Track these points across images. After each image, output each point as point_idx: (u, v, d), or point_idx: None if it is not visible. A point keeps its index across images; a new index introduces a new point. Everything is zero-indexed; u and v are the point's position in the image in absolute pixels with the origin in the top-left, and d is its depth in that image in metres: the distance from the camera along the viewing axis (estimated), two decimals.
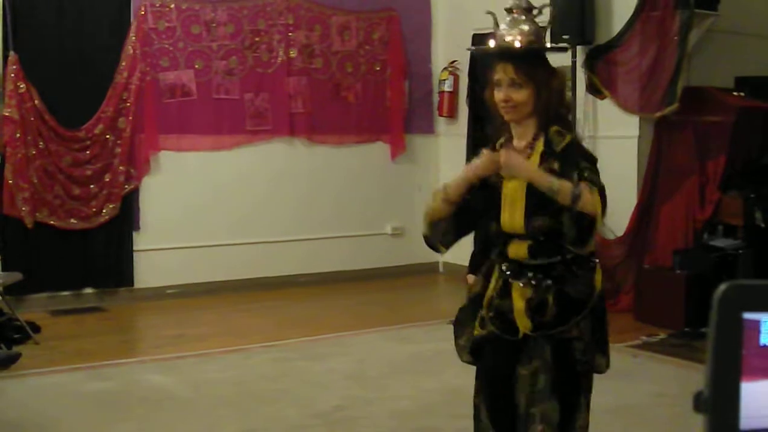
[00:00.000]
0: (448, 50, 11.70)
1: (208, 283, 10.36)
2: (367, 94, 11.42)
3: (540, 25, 4.02)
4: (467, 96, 11.44)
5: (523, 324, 3.97)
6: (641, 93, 9.33)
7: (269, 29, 10.71)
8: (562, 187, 3.73)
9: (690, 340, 8.07)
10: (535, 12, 4.01)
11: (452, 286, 10.35)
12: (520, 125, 4.02)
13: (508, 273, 4.03)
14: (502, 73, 3.95)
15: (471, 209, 4.09)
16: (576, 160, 3.88)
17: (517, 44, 3.97)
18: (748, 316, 1.39)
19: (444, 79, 11.65)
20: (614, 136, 9.57)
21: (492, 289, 4.12)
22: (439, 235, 4.15)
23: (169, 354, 7.88)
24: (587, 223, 3.75)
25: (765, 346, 1.40)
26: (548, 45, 4.29)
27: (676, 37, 9.13)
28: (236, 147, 10.63)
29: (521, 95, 3.92)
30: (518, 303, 3.98)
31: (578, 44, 9.64)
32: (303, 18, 10.90)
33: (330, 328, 8.72)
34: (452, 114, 11.64)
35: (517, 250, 3.99)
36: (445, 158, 11.82)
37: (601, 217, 3.79)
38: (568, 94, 4.14)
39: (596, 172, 3.88)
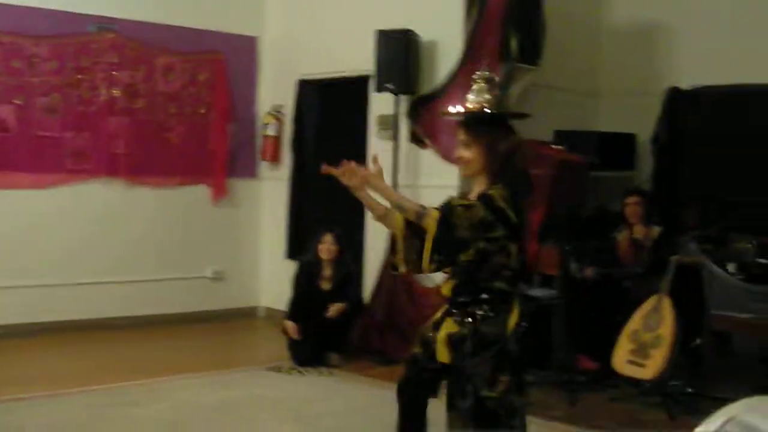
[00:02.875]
0: (273, 94, 11.71)
1: (24, 324, 10.05)
2: (191, 136, 11.32)
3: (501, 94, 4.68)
4: (291, 141, 11.45)
5: (441, 354, 4.51)
6: None
7: (93, 67, 10.53)
8: (406, 204, 4.48)
9: None
10: (496, 81, 4.66)
11: (271, 331, 10.31)
12: (475, 181, 4.58)
13: (446, 309, 4.59)
14: (458, 135, 4.59)
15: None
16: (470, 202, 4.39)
17: (461, 110, 4.63)
18: None
19: (268, 123, 11.63)
20: (434, 186, 9.66)
21: (432, 320, 4.69)
22: (399, 255, 4.68)
23: None
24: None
25: None
26: (506, 112, 4.82)
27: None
28: (55, 186, 10.38)
29: (468, 154, 4.52)
30: (441, 333, 4.53)
31: (402, 93, 9.76)
32: (127, 57, 10.75)
33: (146, 373, 8.53)
34: (275, 158, 11.63)
35: (446, 287, 4.59)
36: (268, 202, 11.81)
37: (432, 236, 4.35)
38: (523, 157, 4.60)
39: (473, 215, 4.32)
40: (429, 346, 4.60)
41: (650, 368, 7.39)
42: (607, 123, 10.75)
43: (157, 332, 10.54)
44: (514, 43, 9.15)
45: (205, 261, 11.53)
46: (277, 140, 11.62)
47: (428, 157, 9.79)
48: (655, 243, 8.59)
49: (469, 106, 4.61)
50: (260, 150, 11.79)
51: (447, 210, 4.38)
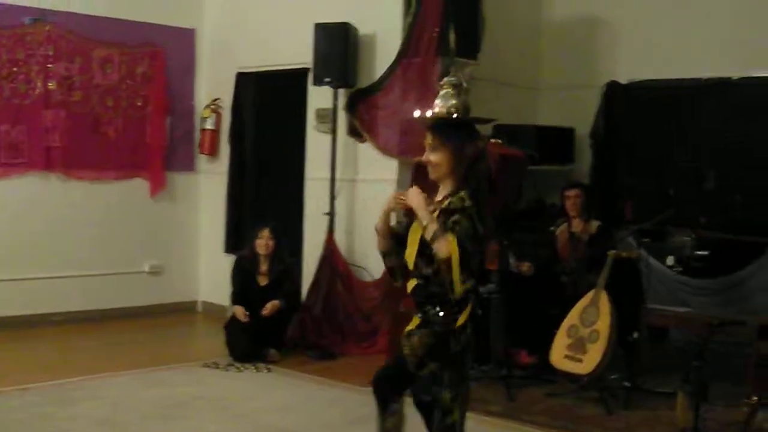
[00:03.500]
0: (212, 88, 11.63)
1: None
2: (128, 130, 11.19)
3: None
4: (229, 134, 11.37)
5: (401, 347, 4.74)
6: (401, 137, 9.45)
7: (28, 59, 10.38)
8: (430, 225, 4.41)
9: None
10: (464, 86, 4.70)
11: (210, 325, 10.25)
12: (442, 184, 4.67)
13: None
14: (426, 138, 4.67)
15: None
16: (454, 214, 4.46)
17: (429, 114, 4.72)
18: None
19: (206, 117, 11.54)
20: (373, 179, 9.68)
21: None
22: (392, 267, 4.86)
23: None
24: (443, 265, 4.40)
25: None
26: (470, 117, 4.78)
27: (436, 84, 9.28)
28: None
29: (436, 157, 4.61)
30: (405, 329, 4.73)
31: (340, 87, 9.73)
32: (63, 49, 10.60)
33: (81, 370, 8.41)
34: (213, 152, 11.54)
35: (410, 285, 4.72)
36: (206, 196, 11.73)
37: (457, 263, 4.38)
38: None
39: (469, 228, 4.42)
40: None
41: (587, 363, 7.39)
42: (546, 117, 10.79)
43: (94, 328, 10.42)
44: (452, 37, 9.15)
45: (142, 255, 11.42)
46: (215, 134, 11.53)
47: (366, 150, 9.77)
48: (593, 237, 8.60)
49: (437, 110, 4.69)
50: (198, 143, 11.69)
51: (463, 237, 4.44)
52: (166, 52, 11.49)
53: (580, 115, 10.48)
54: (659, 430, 7.07)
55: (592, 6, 10.82)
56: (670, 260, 10.07)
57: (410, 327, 4.71)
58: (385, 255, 4.86)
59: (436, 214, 4.54)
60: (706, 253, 10.13)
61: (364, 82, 9.81)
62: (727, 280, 9.50)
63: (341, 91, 9.82)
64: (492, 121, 5.07)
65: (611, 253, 7.79)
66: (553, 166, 10.24)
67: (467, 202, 4.48)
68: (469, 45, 9.37)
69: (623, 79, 10.20)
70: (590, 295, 7.62)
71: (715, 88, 9.47)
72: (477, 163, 4.64)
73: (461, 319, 4.58)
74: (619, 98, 10.16)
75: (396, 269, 4.86)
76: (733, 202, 9.28)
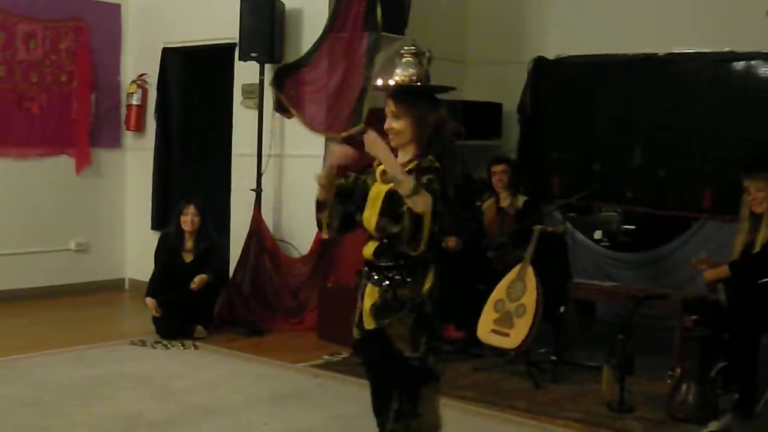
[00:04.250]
0: (138, 63, 11.50)
1: None
2: (52, 106, 11.02)
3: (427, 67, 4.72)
4: (155, 110, 11.26)
5: (368, 322, 4.65)
6: (328, 113, 9.43)
7: None
8: (405, 179, 4.32)
9: None
10: (427, 55, 4.70)
11: (137, 303, 10.16)
12: (403, 151, 4.66)
13: (364, 275, 4.73)
14: (387, 106, 4.67)
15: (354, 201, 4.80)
16: (428, 173, 4.45)
17: (392, 83, 4.68)
18: None
19: (132, 93, 11.41)
20: (300, 155, 9.64)
21: (359, 293, 4.78)
22: (325, 217, 4.81)
23: None
24: (411, 223, 4.43)
25: None
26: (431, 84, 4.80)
27: (363, 59, 9.29)
28: None
29: (399, 125, 4.61)
30: (366, 303, 4.64)
31: (266, 62, 9.67)
32: None
33: (6, 350, 8.30)
34: (140, 128, 11.43)
35: (368, 249, 4.67)
36: (132, 172, 11.63)
37: (429, 220, 4.44)
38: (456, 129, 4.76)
39: (439, 189, 4.42)
40: (361, 321, 4.74)
41: (514, 337, 7.42)
42: (474, 92, 10.78)
43: (18, 307, 10.29)
44: (379, 12, 9.14)
45: (68, 233, 11.29)
46: (141, 109, 11.40)
47: (294, 126, 9.73)
48: (520, 212, 8.63)
49: (398, 79, 4.70)
50: (124, 119, 11.55)
51: (435, 194, 4.43)
52: (91, 27, 11.31)
53: (507, 90, 10.48)
54: (585, 403, 7.13)
55: None
56: (598, 234, 10.16)
57: (372, 301, 4.65)
58: (320, 206, 4.82)
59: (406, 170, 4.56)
60: (632, 227, 10.25)
61: (290, 57, 9.75)
62: (652, 254, 9.61)
63: (268, 67, 9.76)
64: (453, 89, 5.07)
65: (537, 227, 7.82)
66: (481, 141, 10.23)
67: (436, 164, 4.51)
68: (396, 20, 9.36)
69: (551, 55, 10.21)
70: (517, 269, 7.64)
71: (641, 64, 9.50)
72: (440, 130, 4.67)
73: (428, 284, 4.62)
74: (547, 74, 10.17)
75: (329, 222, 4.84)
76: (659, 177, 9.36)
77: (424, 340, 4.61)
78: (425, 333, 4.61)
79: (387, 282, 4.60)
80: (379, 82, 4.89)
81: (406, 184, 4.32)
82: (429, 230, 4.49)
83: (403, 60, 4.72)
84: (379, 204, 4.61)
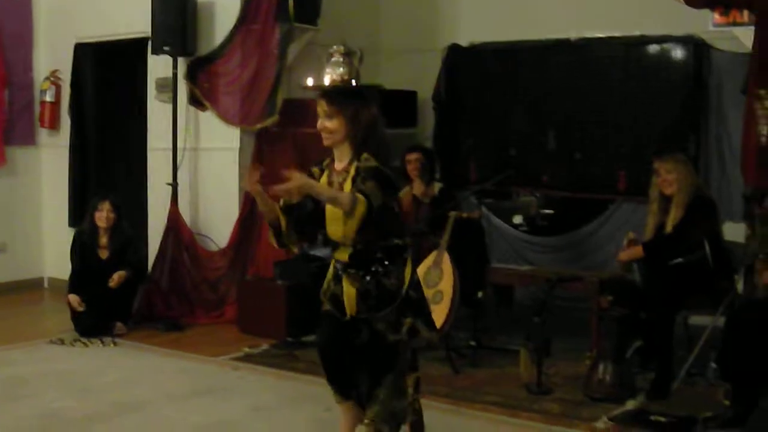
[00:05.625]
0: (50, 59, 11.36)
1: None
2: None
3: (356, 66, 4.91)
4: (70, 106, 11.13)
5: (350, 307, 4.91)
6: (242, 105, 9.41)
7: None
8: (339, 198, 4.59)
9: (291, 349, 8.22)
10: (359, 54, 4.92)
11: (57, 302, 10.06)
12: (338, 149, 4.91)
13: (338, 268, 4.97)
14: (319, 106, 4.86)
15: (307, 217, 5.00)
16: (364, 177, 4.69)
17: (327, 82, 4.88)
18: None
19: (45, 89, 11.26)
20: (215, 148, 9.63)
21: (328, 279, 5.09)
22: (279, 235, 5.03)
23: None
24: (358, 222, 4.67)
25: None
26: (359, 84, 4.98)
27: (275, 50, 9.28)
28: None
29: (332, 124, 4.82)
30: (350, 290, 4.90)
31: (179, 55, 9.62)
32: None
33: None
34: (54, 125, 11.27)
35: (341, 255, 4.92)
36: (48, 170, 11.48)
37: (361, 213, 4.62)
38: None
39: (379, 186, 4.66)
40: (338, 301, 4.97)
41: None
42: (388, 80, 10.77)
43: None
44: (291, 3, 9.13)
45: None
46: (55, 106, 11.25)
47: (208, 119, 9.69)
48: (435, 199, 8.67)
49: (329, 78, 4.87)
50: (38, 117, 11.40)
51: (368, 195, 4.64)
52: (1, 22, 11.13)
53: (422, 78, 10.53)
54: (505, 386, 7.19)
55: None
56: (517, 219, 10.25)
57: (355, 288, 4.88)
58: (273, 228, 5.02)
59: (350, 176, 4.79)
60: (551, 211, 10.34)
61: (204, 50, 9.70)
62: (570, 237, 9.72)
63: (181, 60, 9.70)
64: (380, 87, 5.16)
65: (452, 213, 7.88)
66: (396, 129, 10.24)
67: (373, 161, 4.74)
68: (309, 11, 9.37)
69: (464, 42, 10.27)
70: (433, 256, 7.67)
71: (554, 49, 9.59)
72: (374, 128, 4.86)
73: (407, 274, 4.90)
74: (461, 61, 10.22)
75: (287, 241, 5.07)
76: (574, 161, 9.45)
77: (408, 320, 4.88)
78: (409, 314, 4.89)
79: (369, 277, 4.86)
80: (310, 81, 5.04)
81: (344, 202, 4.57)
82: (391, 221, 4.81)
83: (333, 59, 4.88)
84: (356, 223, 4.69)
